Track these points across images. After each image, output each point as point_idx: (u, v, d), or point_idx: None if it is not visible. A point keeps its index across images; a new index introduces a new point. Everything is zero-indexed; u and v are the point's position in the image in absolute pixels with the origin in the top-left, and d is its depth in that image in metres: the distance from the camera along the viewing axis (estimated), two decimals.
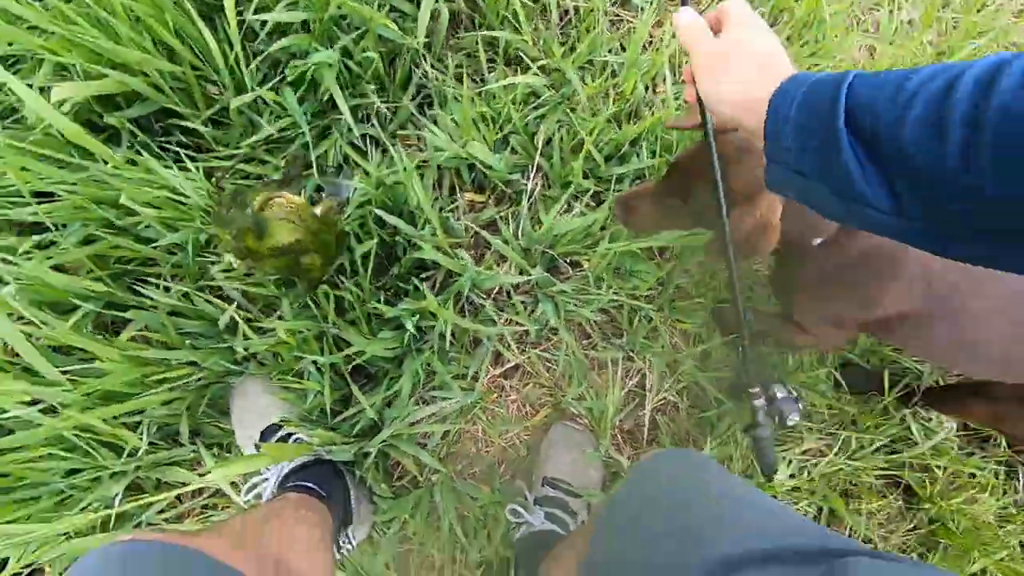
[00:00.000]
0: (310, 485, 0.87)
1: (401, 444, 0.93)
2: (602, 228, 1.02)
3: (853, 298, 0.73)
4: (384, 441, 0.91)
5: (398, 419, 0.92)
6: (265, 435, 0.93)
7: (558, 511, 0.94)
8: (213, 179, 0.94)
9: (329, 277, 0.91)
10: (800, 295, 0.81)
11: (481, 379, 1.00)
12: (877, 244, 0.68)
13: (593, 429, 1.03)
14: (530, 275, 0.97)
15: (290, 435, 0.93)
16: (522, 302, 1.01)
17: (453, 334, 0.95)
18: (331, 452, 0.90)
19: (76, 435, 0.79)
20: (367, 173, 0.95)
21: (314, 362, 0.90)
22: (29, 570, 0.84)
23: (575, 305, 1.00)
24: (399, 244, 0.98)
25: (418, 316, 0.91)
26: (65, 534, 0.79)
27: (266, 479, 0.91)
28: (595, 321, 1.02)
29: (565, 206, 1.03)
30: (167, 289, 0.90)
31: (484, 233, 1.01)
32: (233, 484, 0.91)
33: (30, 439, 0.76)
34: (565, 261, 1.04)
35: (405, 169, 0.90)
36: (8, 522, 0.73)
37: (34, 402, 0.78)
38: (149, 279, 0.90)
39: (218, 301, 0.91)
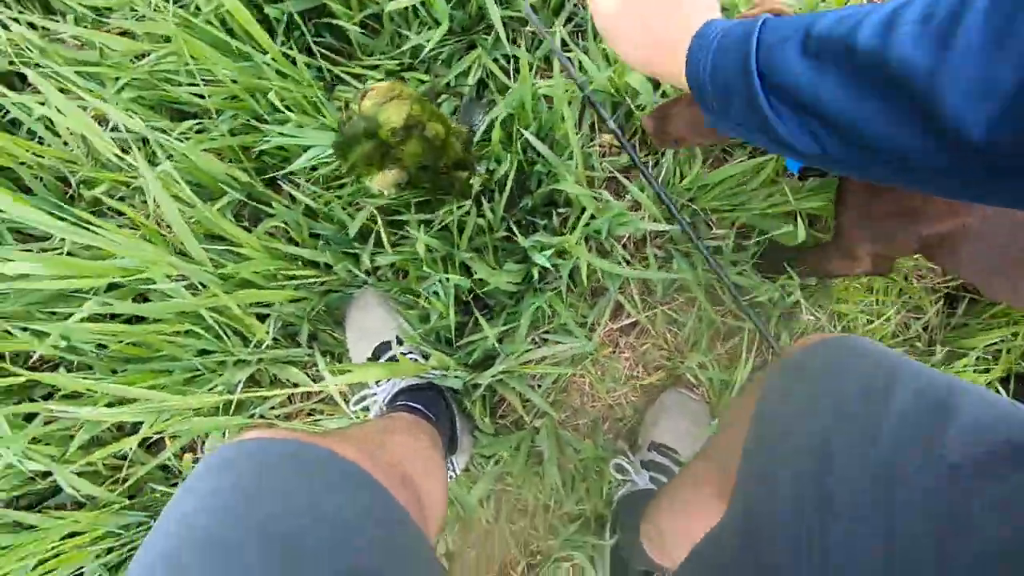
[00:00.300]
0: (419, 407, 0.85)
1: (512, 381, 0.90)
2: (753, 189, 0.93)
3: (910, 212, 0.66)
4: (496, 375, 0.88)
5: (513, 355, 0.88)
6: (377, 352, 0.92)
7: (663, 477, 0.89)
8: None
9: (470, 186, 0.86)
10: (848, 211, 0.73)
11: (599, 331, 0.95)
12: None
13: (710, 401, 0.96)
14: (671, 226, 0.90)
15: (402, 355, 0.92)
16: (655, 255, 0.94)
17: (573, 279, 0.90)
18: (444, 378, 0.88)
19: (212, 316, 0.80)
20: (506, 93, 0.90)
21: (440, 283, 0.87)
22: (154, 439, 0.88)
23: (711, 266, 0.92)
24: (534, 175, 0.93)
25: (550, 251, 0.86)
26: (192, 410, 0.82)
27: (375, 394, 0.90)
28: (734, 285, 0.94)
29: (713, 159, 0.94)
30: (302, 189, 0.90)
31: (620, 177, 0.94)
32: (341, 394, 0.91)
33: (172, 309, 0.78)
34: (707, 218, 0.96)
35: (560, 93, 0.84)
36: (147, 387, 0.76)
37: (179, 278, 0.80)
38: (289, 178, 0.90)
39: (350, 210, 0.90)
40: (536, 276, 0.89)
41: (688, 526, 0.60)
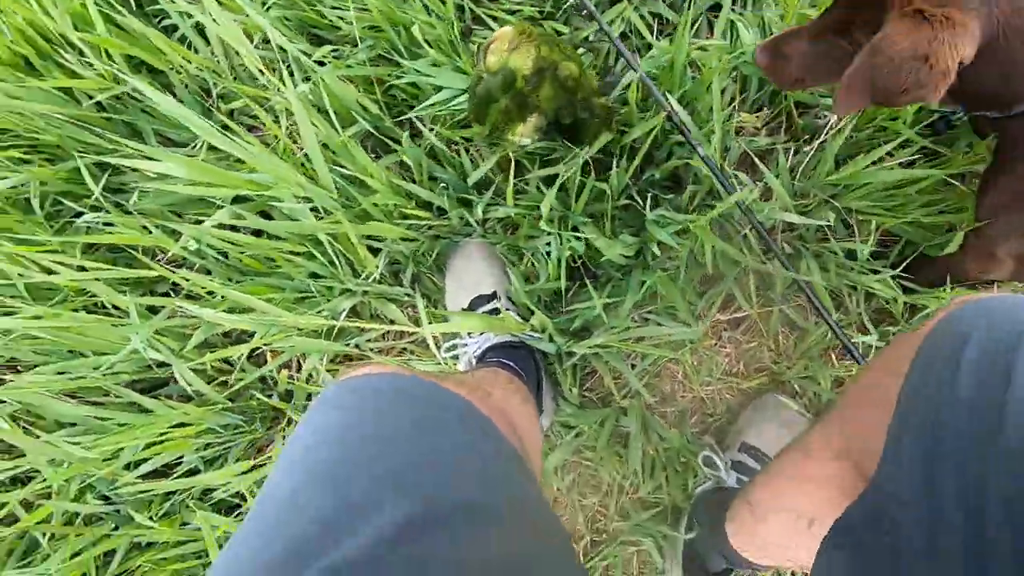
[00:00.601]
0: (512, 365, 0.84)
1: (608, 356, 0.87)
2: (909, 195, 0.84)
3: None
4: (593, 347, 0.85)
5: (616, 329, 0.85)
6: (474, 304, 0.91)
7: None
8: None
9: (611, 121, 0.83)
10: (990, 199, 0.63)
11: (705, 320, 0.90)
12: None
13: (809, 416, 0.90)
14: (811, 221, 0.83)
15: (497, 311, 0.91)
16: (784, 250, 0.87)
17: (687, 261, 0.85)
18: (539, 340, 0.86)
19: (330, 242, 0.82)
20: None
21: (551, 244, 0.85)
22: (256, 351, 0.92)
23: (845, 270, 0.85)
24: (664, 146, 0.88)
25: (673, 229, 0.82)
26: (297, 329, 0.84)
27: (466, 345, 0.90)
28: (865, 297, 0.86)
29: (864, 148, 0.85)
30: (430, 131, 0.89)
31: (757, 160, 0.87)
32: (434, 339, 0.92)
33: (296, 230, 0.79)
34: (848, 218, 0.87)
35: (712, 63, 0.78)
36: (265, 299, 0.79)
37: (304, 200, 0.81)
38: (416, 117, 0.89)
39: (475, 154, 0.88)
40: (652, 253, 0.85)
41: (795, 498, 0.57)
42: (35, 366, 0.91)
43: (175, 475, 0.89)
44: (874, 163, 0.84)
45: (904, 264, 0.83)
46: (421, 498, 0.33)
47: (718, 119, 0.82)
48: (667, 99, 0.81)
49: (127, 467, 0.86)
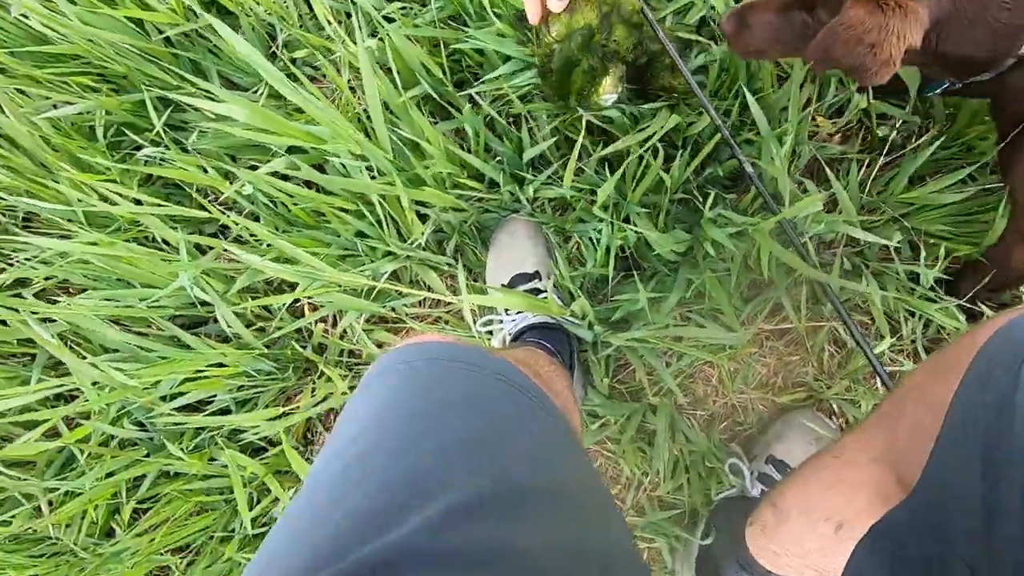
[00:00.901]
0: (549, 346, 0.83)
1: (644, 351, 0.86)
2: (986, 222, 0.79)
3: None
4: (631, 339, 0.84)
5: (656, 325, 0.83)
6: (514, 281, 0.90)
7: None
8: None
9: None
10: None
11: (750, 327, 0.88)
12: None
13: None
14: (876, 239, 0.79)
15: (538, 291, 0.89)
16: (843, 266, 0.84)
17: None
18: (577, 326, 0.85)
19: (380, 203, 0.81)
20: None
21: (602, 231, 0.83)
22: (297, 303, 0.93)
23: (904, 293, 0.81)
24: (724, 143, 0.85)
25: (731, 230, 0.79)
26: (338, 286, 0.85)
27: (502, 322, 0.89)
28: (924, 324, 0.82)
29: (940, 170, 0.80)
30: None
31: (827, 168, 0.83)
32: (472, 312, 0.91)
33: (349, 187, 0.79)
34: (916, 239, 0.83)
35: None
36: (310, 252, 0.79)
37: (359, 158, 0.81)
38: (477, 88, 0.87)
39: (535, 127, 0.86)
40: (704, 252, 0.82)
41: (825, 500, 0.55)
42: (84, 290, 0.94)
43: (207, 412, 0.92)
44: (953, 185, 0.80)
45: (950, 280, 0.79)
46: (470, 483, 0.32)
47: (793, 121, 0.78)
48: (716, 111, 0.77)
49: (163, 399, 0.88)
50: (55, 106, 0.90)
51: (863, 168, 0.86)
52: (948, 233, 0.81)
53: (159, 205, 0.86)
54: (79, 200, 0.86)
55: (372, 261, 0.86)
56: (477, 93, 0.87)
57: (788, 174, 0.82)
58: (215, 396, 0.92)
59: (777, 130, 0.79)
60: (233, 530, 0.90)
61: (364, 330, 0.93)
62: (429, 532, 0.28)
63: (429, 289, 0.93)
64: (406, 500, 0.30)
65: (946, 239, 0.81)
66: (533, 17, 0.73)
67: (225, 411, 0.93)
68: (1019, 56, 0.56)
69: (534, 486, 0.35)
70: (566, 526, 0.35)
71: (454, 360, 0.43)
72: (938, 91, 0.69)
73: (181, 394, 0.89)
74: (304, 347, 0.94)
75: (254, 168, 0.93)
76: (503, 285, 0.90)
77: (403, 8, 0.91)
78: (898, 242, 0.78)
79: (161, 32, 0.91)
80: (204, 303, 0.90)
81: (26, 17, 0.87)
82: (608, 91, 0.77)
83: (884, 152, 0.86)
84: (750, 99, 0.77)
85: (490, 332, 0.91)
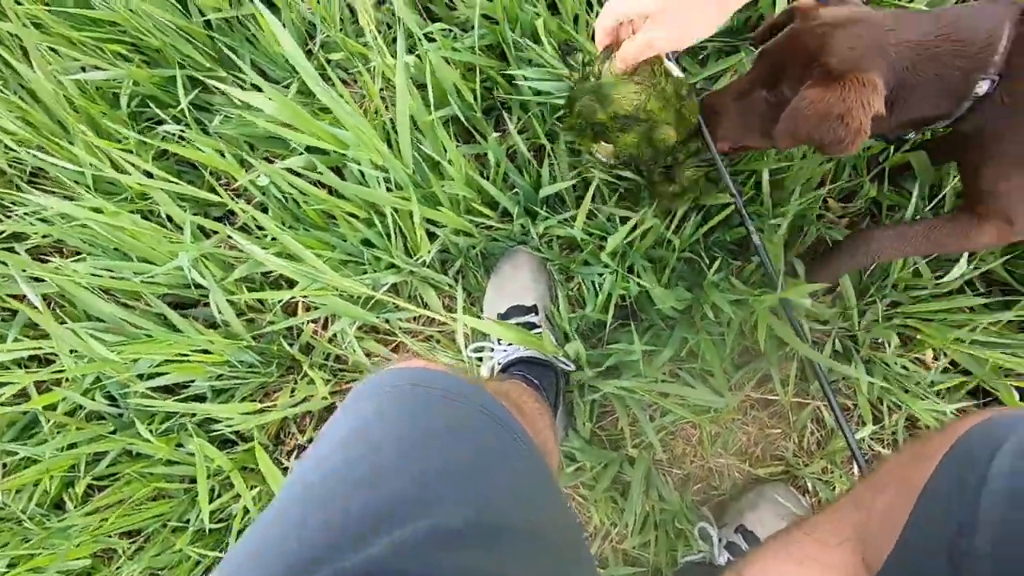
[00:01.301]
0: (536, 383, 0.83)
1: (630, 401, 0.86)
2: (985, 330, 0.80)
3: None
4: (620, 388, 0.84)
5: (647, 378, 0.83)
6: (510, 312, 0.90)
7: None
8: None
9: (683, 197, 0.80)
10: (1003, 167, 0.61)
11: (737, 394, 0.88)
12: None
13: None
14: (868, 333, 0.80)
15: (533, 325, 0.90)
16: (835, 347, 0.85)
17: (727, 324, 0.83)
18: (569, 367, 0.85)
19: (393, 215, 0.82)
20: None
21: (606, 277, 0.83)
22: (291, 299, 0.92)
23: (895, 385, 0.82)
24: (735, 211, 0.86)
25: (732, 298, 0.80)
26: (336, 290, 0.84)
27: (493, 351, 0.89)
28: (911, 421, 0.83)
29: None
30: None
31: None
32: (464, 335, 0.91)
33: (367, 196, 0.79)
34: (910, 332, 0.84)
35: None
36: (315, 253, 0.79)
37: (380, 168, 0.81)
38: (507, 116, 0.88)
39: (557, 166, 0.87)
40: (702, 313, 0.83)
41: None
42: (79, 254, 0.92)
43: (183, 396, 0.90)
44: (954, 284, 0.82)
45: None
46: (455, 512, 0.32)
47: (792, 207, 0.79)
48: (736, 182, 0.79)
49: (140, 376, 0.87)
50: (83, 68, 0.90)
51: None
52: (942, 329, 0.82)
53: (170, 181, 0.85)
54: (91, 164, 0.85)
55: (375, 271, 0.86)
56: (507, 116, 0.88)
57: (793, 251, 0.84)
58: (193, 381, 0.90)
59: (784, 208, 0.81)
60: (188, 521, 0.88)
61: (355, 337, 0.92)
62: (411, 552, 0.28)
63: (426, 306, 0.93)
64: (384, 523, 0.30)
65: (935, 337, 0.82)
66: (601, 42, 0.67)
67: (201, 398, 0.91)
68: (976, 96, 0.57)
69: (513, 523, 0.35)
70: (541, 563, 0.35)
71: (440, 389, 0.43)
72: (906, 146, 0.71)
73: (160, 374, 0.87)
74: (291, 344, 0.93)
75: (270, 161, 0.93)
76: (500, 314, 0.90)
77: (444, 30, 0.92)
78: (889, 343, 0.79)
79: (203, 14, 0.91)
80: (199, 286, 0.89)
81: None
82: (601, 152, 0.75)
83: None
84: (766, 181, 0.78)
85: (480, 359, 0.91)
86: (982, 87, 0.56)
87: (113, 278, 0.86)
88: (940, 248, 0.70)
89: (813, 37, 0.58)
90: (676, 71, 0.71)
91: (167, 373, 0.87)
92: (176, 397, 0.89)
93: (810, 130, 0.57)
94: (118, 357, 0.81)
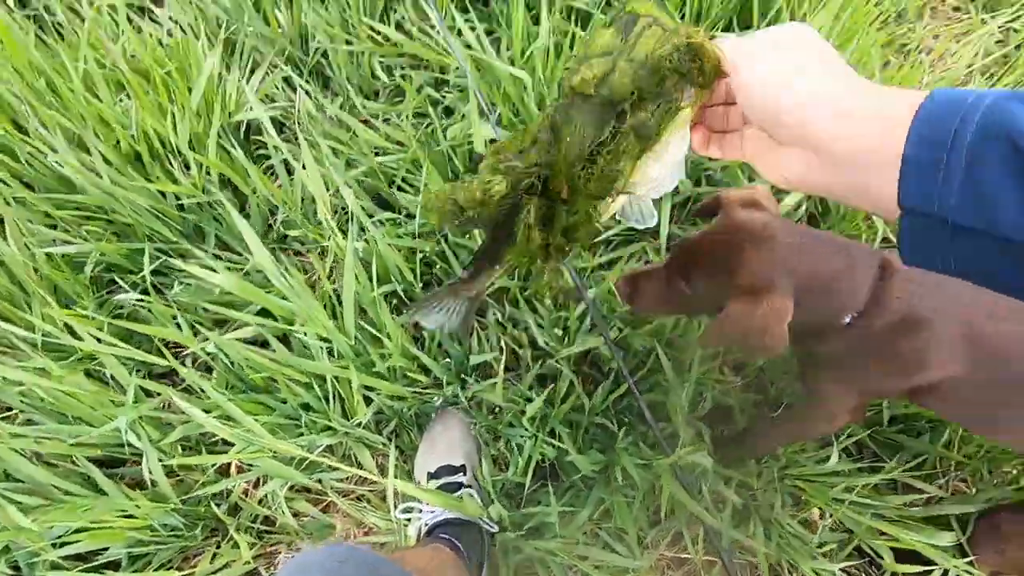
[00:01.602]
0: (461, 548, 0.86)
1: (552, 563, 0.89)
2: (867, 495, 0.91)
3: (895, 367, 0.69)
4: (542, 549, 0.88)
5: (566, 539, 0.88)
6: (439, 471, 0.96)
7: None
8: None
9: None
10: (830, 374, 0.75)
11: (652, 553, 0.93)
12: (915, 308, 0.65)
13: None
14: (756, 501, 0.90)
15: (461, 484, 0.94)
16: (735, 504, 0.93)
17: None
18: (494, 527, 0.89)
19: (333, 380, 0.89)
20: None
21: (527, 440, 0.91)
22: (227, 467, 0.94)
23: (790, 546, 0.90)
24: (645, 379, 0.98)
25: (640, 463, 0.88)
26: (271, 452, 0.88)
27: (421, 511, 0.93)
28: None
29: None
30: None
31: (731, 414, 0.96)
32: (394, 495, 0.95)
33: (311, 368, 0.87)
34: (799, 494, 0.94)
35: None
36: (251, 416, 0.84)
37: (324, 340, 0.90)
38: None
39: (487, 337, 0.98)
40: (616, 476, 0.91)
41: None
42: (9, 409, 0.93)
43: (96, 563, 0.87)
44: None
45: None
46: None
47: (693, 376, 0.92)
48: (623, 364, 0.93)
49: (54, 544, 0.84)
50: (54, 241, 0.99)
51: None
52: (824, 489, 0.92)
53: (119, 346, 0.90)
54: (43, 334, 0.90)
55: (312, 432, 0.91)
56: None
57: (692, 416, 0.95)
58: (107, 547, 0.88)
59: (682, 376, 0.93)
60: None
61: (286, 498, 0.94)
62: None
63: (360, 466, 0.97)
64: None
65: (818, 498, 0.92)
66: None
67: (115, 565, 0.88)
68: (858, 312, 0.66)
69: None
70: None
71: (365, 567, 0.48)
72: None
73: (73, 542, 0.85)
74: (219, 505, 0.93)
75: (223, 323, 1.01)
76: (430, 473, 0.95)
77: (391, 218, 1.07)
78: (778, 506, 0.89)
79: (178, 198, 1.04)
80: (132, 446, 0.91)
81: (60, 165, 0.99)
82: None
83: (784, 406, 1.01)
84: (664, 357, 0.92)
85: (408, 520, 0.93)
86: (846, 320, 0.68)
87: (45, 438, 0.87)
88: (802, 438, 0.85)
89: (728, 248, 0.65)
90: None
91: (80, 541, 0.85)
92: (88, 565, 0.86)
93: (736, 340, 0.64)
94: (34, 525, 0.80)
